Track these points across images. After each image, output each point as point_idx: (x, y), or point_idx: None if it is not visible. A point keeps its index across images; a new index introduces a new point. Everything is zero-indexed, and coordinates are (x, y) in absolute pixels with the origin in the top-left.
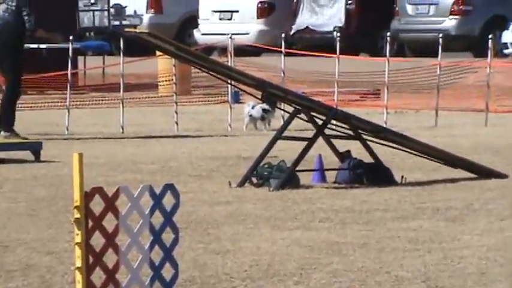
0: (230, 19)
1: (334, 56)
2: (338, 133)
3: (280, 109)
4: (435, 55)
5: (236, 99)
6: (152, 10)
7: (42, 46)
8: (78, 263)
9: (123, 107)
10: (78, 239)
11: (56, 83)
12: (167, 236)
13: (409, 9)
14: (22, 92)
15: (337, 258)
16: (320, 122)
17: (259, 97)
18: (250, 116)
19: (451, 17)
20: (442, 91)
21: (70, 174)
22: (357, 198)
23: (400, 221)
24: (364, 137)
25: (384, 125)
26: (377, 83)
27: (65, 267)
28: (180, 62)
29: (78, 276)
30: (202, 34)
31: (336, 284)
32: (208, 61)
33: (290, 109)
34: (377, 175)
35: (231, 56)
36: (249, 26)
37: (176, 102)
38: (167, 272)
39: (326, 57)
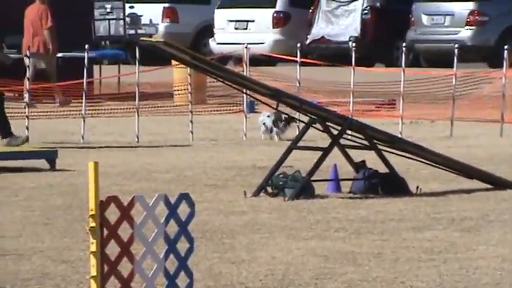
0: (246, 29)
1: (350, 66)
2: (353, 143)
3: (295, 119)
4: (451, 65)
5: (251, 108)
6: (168, 19)
7: (58, 55)
8: (93, 272)
9: (138, 116)
10: (93, 247)
11: (72, 92)
12: (182, 245)
13: (425, 19)
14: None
15: (352, 268)
16: (335, 132)
17: (274, 107)
18: (264, 124)
19: (466, 27)
20: (457, 101)
21: (85, 183)
22: (372, 208)
23: (415, 231)
24: (379, 147)
25: (399, 135)
26: (392, 93)
27: (80, 276)
28: (195, 71)
29: (93, 285)
30: (218, 43)
31: None
32: (224, 70)
33: (305, 119)
34: (392, 185)
35: (246, 65)
36: (264, 36)
37: (191, 112)
38: (182, 281)
39: (341, 67)
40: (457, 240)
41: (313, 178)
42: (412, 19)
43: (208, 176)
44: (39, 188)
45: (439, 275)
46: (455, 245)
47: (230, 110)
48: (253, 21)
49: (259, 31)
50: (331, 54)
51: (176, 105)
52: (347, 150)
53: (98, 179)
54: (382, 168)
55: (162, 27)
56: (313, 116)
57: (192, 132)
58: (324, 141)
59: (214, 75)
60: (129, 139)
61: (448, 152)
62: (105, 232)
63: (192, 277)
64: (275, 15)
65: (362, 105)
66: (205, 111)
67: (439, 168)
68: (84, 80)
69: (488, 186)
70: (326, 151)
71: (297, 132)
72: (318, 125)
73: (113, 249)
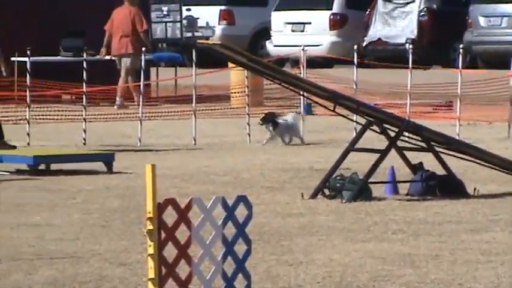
0: (302, 31)
1: (407, 68)
2: (410, 145)
3: (352, 120)
4: (508, 67)
5: (308, 110)
6: (225, 22)
7: (115, 58)
8: (151, 274)
9: (195, 118)
10: (150, 250)
11: (128, 95)
12: (240, 248)
13: (482, 21)
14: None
15: (410, 270)
16: (392, 134)
17: (331, 109)
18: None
19: None
20: None
21: (142, 185)
22: (430, 210)
23: (473, 233)
24: (437, 148)
25: (457, 137)
26: (449, 95)
27: (138, 278)
28: (252, 74)
29: None
30: (275, 46)
31: None
32: (280, 72)
33: (363, 121)
34: (449, 187)
35: (303, 67)
36: (321, 38)
37: (248, 114)
38: (240, 283)
39: (398, 68)
40: None
41: (370, 180)
42: (469, 21)
43: (265, 178)
44: (97, 190)
45: (497, 277)
46: None
47: (287, 112)
48: (310, 23)
49: (316, 33)
50: (388, 56)
51: (233, 108)
52: (404, 152)
53: (155, 182)
54: (440, 170)
55: (218, 30)
56: (370, 118)
57: (249, 135)
58: (381, 143)
59: (271, 78)
60: (186, 141)
61: (505, 154)
62: (163, 234)
63: (249, 279)
64: (332, 17)
65: (419, 107)
66: (262, 114)
67: (497, 169)
68: (141, 83)
69: None
70: (383, 153)
71: (354, 135)
72: (375, 127)
73: (170, 252)
